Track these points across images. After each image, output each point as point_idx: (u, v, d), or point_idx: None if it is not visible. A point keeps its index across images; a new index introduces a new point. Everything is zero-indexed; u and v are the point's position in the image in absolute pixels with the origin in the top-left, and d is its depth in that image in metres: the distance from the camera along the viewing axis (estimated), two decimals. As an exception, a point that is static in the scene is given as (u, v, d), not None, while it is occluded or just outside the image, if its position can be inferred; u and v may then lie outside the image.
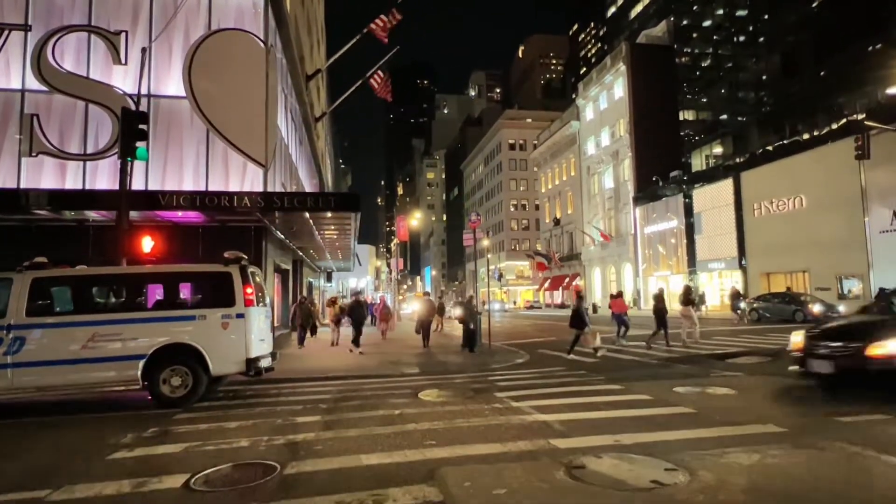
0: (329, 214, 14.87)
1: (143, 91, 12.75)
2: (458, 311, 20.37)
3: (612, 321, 18.36)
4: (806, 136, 33.82)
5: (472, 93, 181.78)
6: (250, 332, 8.53)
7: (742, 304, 26.64)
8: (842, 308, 23.94)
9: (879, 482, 4.11)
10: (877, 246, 27.83)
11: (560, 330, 21.86)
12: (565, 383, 9.38)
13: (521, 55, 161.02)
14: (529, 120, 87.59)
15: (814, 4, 35.04)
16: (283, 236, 17.97)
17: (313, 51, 27.98)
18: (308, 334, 18.54)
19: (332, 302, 20.77)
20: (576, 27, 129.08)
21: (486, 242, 38.06)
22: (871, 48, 30.55)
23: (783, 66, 37.69)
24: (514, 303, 78.28)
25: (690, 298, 15.79)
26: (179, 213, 13.26)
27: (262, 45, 14.60)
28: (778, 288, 30.95)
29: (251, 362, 8.52)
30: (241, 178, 14.50)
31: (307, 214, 14.34)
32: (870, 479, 4.19)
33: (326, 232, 19.14)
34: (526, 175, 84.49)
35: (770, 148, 36.39)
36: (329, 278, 38.03)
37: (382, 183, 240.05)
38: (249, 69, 14.36)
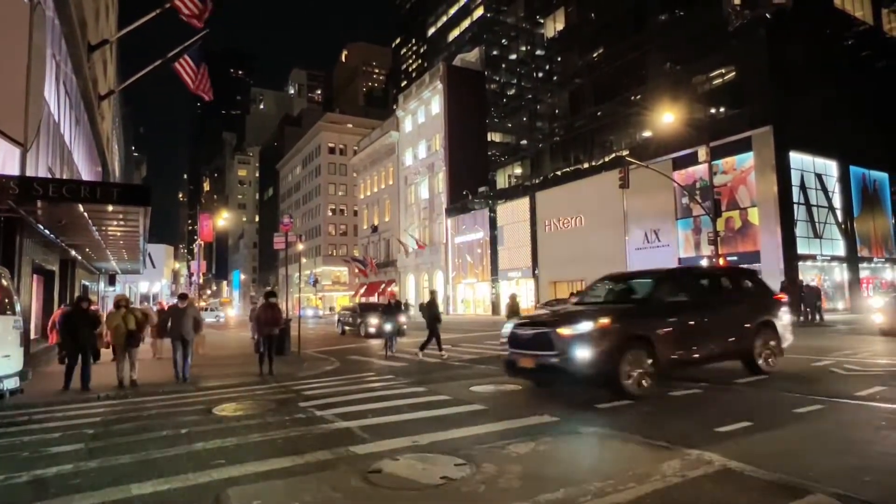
0: (111, 208, 12.79)
1: None
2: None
3: None
4: (586, 166, 39.64)
5: (292, 91, 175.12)
6: (-12, 348, 6.94)
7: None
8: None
9: (618, 456, 4.93)
10: (633, 260, 33.86)
11: (373, 336, 22.07)
12: (372, 389, 9.49)
13: (344, 60, 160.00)
14: (350, 125, 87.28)
15: (594, 55, 41.38)
16: (48, 231, 15.00)
17: (100, 18, 24.07)
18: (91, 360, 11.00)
19: (120, 305, 11.92)
20: (399, 41, 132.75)
21: (300, 247, 36.77)
22: (633, 97, 37.12)
23: (570, 103, 43.74)
24: (331, 309, 76.89)
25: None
26: None
27: (25, -1, 12.07)
28: (563, 295, 35.56)
29: (-13, 384, 6.88)
30: (-13, 157, 11.74)
31: (81, 207, 12.18)
32: (612, 454, 5.01)
33: (109, 228, 16.42)
34: (345, 180, 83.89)
35: (559, 173, 41.87)
36: (112, 282, 32.71)
37: (185, 177, 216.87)
38: (6, 25, 11.74)
